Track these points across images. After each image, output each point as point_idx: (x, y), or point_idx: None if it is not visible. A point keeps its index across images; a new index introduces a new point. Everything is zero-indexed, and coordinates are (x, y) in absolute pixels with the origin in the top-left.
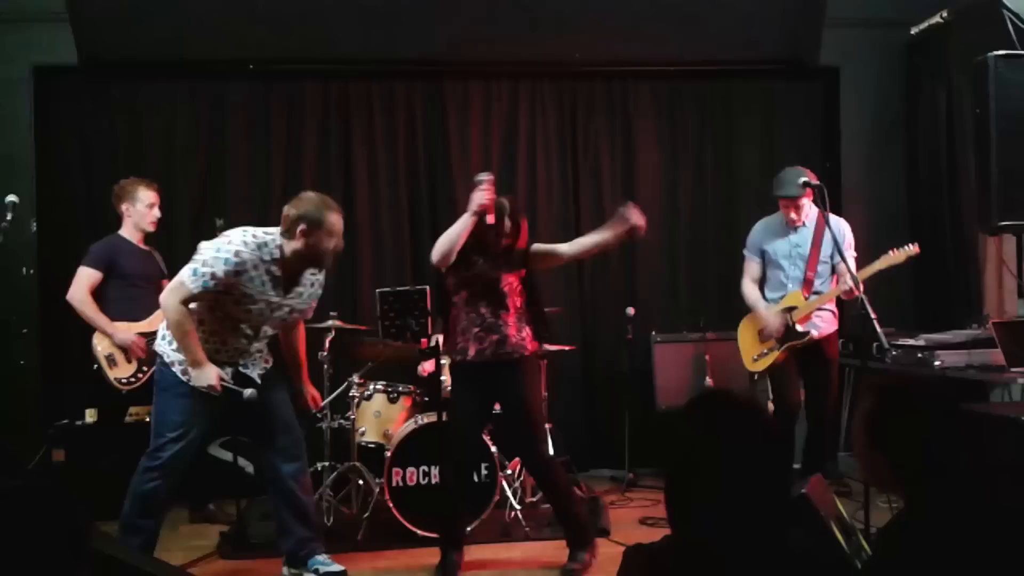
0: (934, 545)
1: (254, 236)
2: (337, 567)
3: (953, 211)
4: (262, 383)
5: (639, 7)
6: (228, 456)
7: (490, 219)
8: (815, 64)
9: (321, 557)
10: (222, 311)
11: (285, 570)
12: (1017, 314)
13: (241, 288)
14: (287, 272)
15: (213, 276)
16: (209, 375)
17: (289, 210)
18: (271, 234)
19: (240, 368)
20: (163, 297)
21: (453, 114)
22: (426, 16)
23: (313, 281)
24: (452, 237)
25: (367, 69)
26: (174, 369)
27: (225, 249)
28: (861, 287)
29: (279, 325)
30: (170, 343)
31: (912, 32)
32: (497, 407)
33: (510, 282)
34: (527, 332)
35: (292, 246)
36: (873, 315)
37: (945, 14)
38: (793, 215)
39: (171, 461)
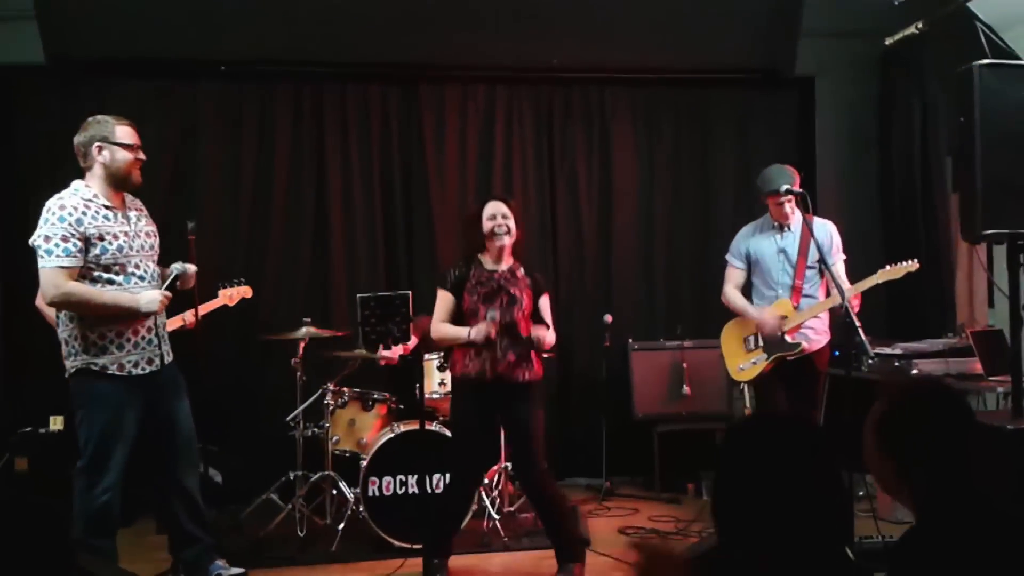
0: (948, 559)
1: (61, 193)
2: (237, 570)
3: (927, 221)
4: (173, 392)
5: (617, 14)
6: None
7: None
8: (790, 74)
9: (220, 562)
10: (102, 271)
11: None
12: (987, 323)
13: (94, 231)
14: (113, 200)
15: (64, 239)
16: (151, 294)
17: (77, 139)
18: (74, 183)
19: (161, 339)
20: (47, 296)
21: (429, 118)
22: (402, 19)
23: (139, 206)
24: (446, 339)
25: (341, 72)
26: (110, 372)
27: (49, 216)
28: (851, 297)
29: (151, 257)
30: (87, 350)
31: (887, 43)
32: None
33: (526, 305)
34: (535, 357)
35: (97, 173)
36: (858, 323)
37: (920, 25)
38: (787, 209)
39: (117, 468)
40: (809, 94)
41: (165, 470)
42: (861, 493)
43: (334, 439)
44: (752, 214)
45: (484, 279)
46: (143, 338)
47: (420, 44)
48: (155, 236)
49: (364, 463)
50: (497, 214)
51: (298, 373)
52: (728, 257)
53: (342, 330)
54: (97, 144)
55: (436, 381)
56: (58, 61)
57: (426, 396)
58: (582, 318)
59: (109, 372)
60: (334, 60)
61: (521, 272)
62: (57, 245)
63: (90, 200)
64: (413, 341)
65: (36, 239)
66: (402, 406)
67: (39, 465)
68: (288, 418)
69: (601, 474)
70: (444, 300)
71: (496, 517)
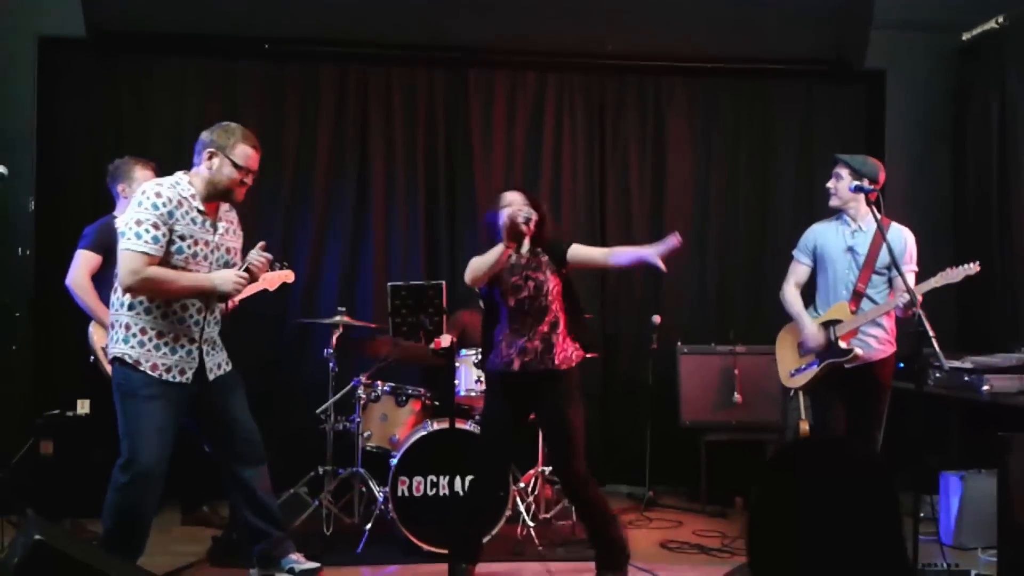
0: None
1: (162, 180)
2: (312, 565)
3: (1002, 227)
4: (220, 386)
5: None
6: None
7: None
8: (861, 66)
9: (294, 556)
10: (169, 269)
11: (254, 572)
12: None
13: (181, 228)
14: (207, 206)
15: (155, 226)
16: (224, 273)
17: (203, 135)
18: (172, 176)
19: (203, 352)
20: (123, 281)
21: (476, 105)
22: (451, 0)
23: (232, 219)
24: (482, 265)
25: (388, 54)
26: (142, 368)
27: (143, 200)
28: (919, 303)
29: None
30: (126, 340)
31: (964, 37)
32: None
33: (553, 288)
34: (570, 342)
35: (202, 174)
36: (932, 332)
37: (1001, 19)
38: (829, 182)
39: (151, 469)
40: (879, 88)
41: (224, 465)
42: (922, 515)
43: (365, 434)
44: (813, 212)
45: (510, 265)
46: (182, 346)
47: (469, 27)
48: (236, 253)
49: (394, 461)
50: (514, 201)
51: (330, 364)
52: (795, 252)
53: (378, 322)
54: (211, 150)
55: (473, 378)
56: (99, 35)
57: (462, 393)
58: (629, 318)
59: (141, 368)
60: (380, 41)
61: (543, 255)
62: (147, 231)
63: (186, 198)
64: (448, 338)
65: (126, 221)
66: (437, 403)
67: (64, 449)
68: (318, 410)
69: (644, 483)
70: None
71: (531, 524)
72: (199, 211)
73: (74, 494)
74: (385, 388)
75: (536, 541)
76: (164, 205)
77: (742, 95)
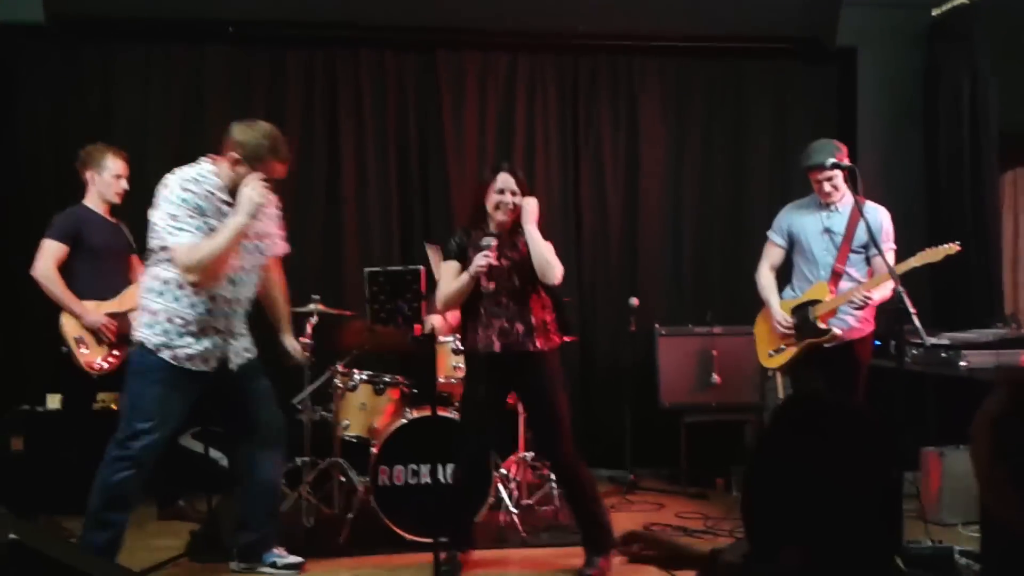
0: None
1: (186, 173)
2: (295, 559)
3: (975, 204)
4: (246, 372)
5: None
6: (200, 447)
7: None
8: (832, 44)
9: (276, 550)
10: None
11: (235, 565)
12: None
13: (210, 224)
14: (234, 196)
15: (190, 216)
16: (248, 193)
17: (241, 134)
18: (196, 165)
19: (227, 341)
20: (191, 275)
21: (447, 87)
22: None
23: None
24: (451, 296)
25: (355, 36)
26: (161, 355)
27: (173, 196)
28: (899, 281)
29: (255, 262)
30: (151, 326)
31: (934, 13)
32: (511, 400)
33: (531, 268)
34: (551, 324)
35: (225, 169)
36: (912, 310)
37: None
38: (827, 188)
39: (144, 452)
40: (851, 66)
41: (242, 451)
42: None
43: (343, 424)
44: (788, 191)
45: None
46: (208, 336)
47: (439, 7)
48: (270, 238)
49: (374, 451)
50: (506, 189)
51: (306, 353)
52: (769, 232)
53: (353, 308)
54: (240, 159)
55: (451, 364)
56: (59, 21)
57: (441, 380)
58: (606, 301)
59: (160, 355)
60: (348, 22)
61: (520, 238)
62: (188, 223)
63: (212, 192)
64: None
65: (162, 218)
66: (416, 391)
67: (35, 445)
68: (294, 400)
69: (625, 466)
70: (450, 269)
71: (514, 511)
72: (226, 203)
73: (47, 491)
74: (362, 376)
75: (519, 527)
76: (193, 198)
77: (714, 75)
